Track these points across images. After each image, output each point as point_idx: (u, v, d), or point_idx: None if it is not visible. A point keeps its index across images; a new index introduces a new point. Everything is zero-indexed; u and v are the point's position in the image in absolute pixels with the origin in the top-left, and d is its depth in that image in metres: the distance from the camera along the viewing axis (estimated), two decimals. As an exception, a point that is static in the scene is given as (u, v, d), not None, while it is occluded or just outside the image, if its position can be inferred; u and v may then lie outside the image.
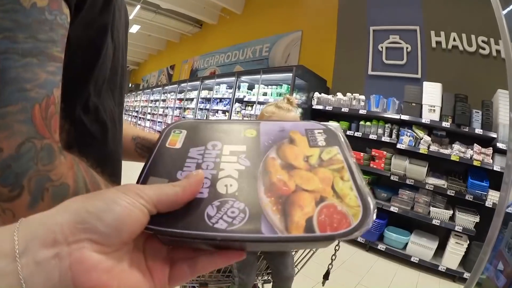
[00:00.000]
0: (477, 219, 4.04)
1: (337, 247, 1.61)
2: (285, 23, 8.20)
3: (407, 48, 5.54)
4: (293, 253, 2.03)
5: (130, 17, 10.83)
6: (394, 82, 5.49)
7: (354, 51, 6.26)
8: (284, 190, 0.43)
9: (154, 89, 14.10)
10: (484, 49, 4.76)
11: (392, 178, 4.66)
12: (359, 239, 4.71)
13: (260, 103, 6.54)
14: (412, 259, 4.29)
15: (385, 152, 4.82)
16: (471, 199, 4.08)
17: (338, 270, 3.71)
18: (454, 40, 5.03)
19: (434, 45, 5.24)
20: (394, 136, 4.81)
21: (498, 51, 4.64)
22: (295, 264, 2.04)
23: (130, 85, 19.99)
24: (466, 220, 4.09)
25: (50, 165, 0.45)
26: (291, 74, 5.72)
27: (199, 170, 0.44)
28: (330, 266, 1.66)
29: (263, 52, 8.74)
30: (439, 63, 5.18)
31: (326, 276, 1.69)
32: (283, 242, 0.38)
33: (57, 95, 0.48)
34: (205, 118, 8.26)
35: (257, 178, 0.45)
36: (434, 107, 4.47)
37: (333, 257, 1.64)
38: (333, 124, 0.56)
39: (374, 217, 0.40)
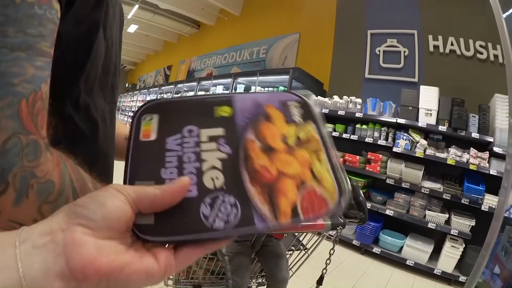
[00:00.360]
0: (472, 222, 4.04)
1: (332, 251, 1.60)
2: (283, 26, 8.22)
3: (404, 52, 5.55)
4: (288, 256, 2.02)
5: (128, 17, 10.82)
6: (391, 85, 5.50)
7: (352, 54, 6.27)
8: (268, 177, 0.45)
9: (150, 89, 14.08)
10: (481, 53, 4.79)
11: (387, 181, 4.66)
12: (354, 242, 4.70)
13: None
14: (407, 263, 4.29)
15: (381, 156, 4.82)
16: (467, 203, 4.09)
17: (333, 273, 3.69)
18: (452, 44, 5.06)
19: (431, 49, 5.26)
20: (390, 139, 4.81)
21: (495, 56, 4.66)
22: (290, 267, 2.03)
23: (127, 85, 19.99)
24: (462, 223, 4.09)
25: (35, 161, 0.44)
26: (288, 77, 5.73)
27: (185, 177, 0.43)
28: (324, 271, 1.65)
29: (260, 54, 8.75)
30: (437, 67, 5.20)
31: (320, 282, 1.68)
32: (274, 231, 0.41)
33: (45, 90, 0.48)
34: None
35: (240, 166, 0.46)
36: (430, 111, 4.48)
37: (328, 262, 1.63)
38: (305, 94, 0.58)
39: (348, 198, 0.43)
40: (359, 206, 1.55)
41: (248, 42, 9.30)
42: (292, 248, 2.03)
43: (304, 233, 2.01)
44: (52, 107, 0.50)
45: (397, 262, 4.39)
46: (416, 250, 4.32)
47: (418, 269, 4.24)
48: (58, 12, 0.51)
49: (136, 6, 10.55)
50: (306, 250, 2.00)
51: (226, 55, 10.23)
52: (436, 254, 4.32)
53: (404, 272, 4.29)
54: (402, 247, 4.46)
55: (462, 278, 3.97)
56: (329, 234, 1.74)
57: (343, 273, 3.89)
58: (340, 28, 6.71)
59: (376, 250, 4.55)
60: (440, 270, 4.10)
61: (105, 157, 0.78)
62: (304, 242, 2.05)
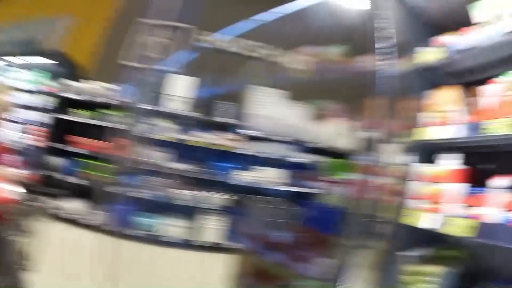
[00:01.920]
0: (222, 196, 4.68)
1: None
2: (52, 7, 7.50)
3: (170, 43, 5.69)
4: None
5: None
6: (150, 74, 5.57)
7: (119, 41, 6.10)
8: None
9: None
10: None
11: (136, 166, 4.57)
12: (109, 228, 4.36)
13: None
14: (166, 239, 4.55)
15: (130, 141, 4.80)
16: (215, 180, 4.71)
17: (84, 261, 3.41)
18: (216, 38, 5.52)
19: (197, 43, 5.57)
20: (143, 125, 4.82)
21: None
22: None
23: None
24: (213, 198, 4.67)
25: None
26: (48, 60, 5.52)
27: None
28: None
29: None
30: (198, 59, 5.58)
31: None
32: None
33: None
34: None
35: None
36: (183, 98, 4.90)
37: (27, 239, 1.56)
38: None
39: None
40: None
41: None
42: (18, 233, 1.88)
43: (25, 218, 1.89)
44: None
45: (157, 241, 4.54)
46: (172, 227, 4.63)
47: (179, 244, 4.53)
48: None
49: None
50: (26, 235, 1.88)
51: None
52: (192, 228, 4.69)
53: (165, 249, 4.47)
54: (158, 227, 4.67)
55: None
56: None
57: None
58: (119, 15, 6.52)
59: (132, 232, 4.53)
60: (200, 241, 4.59)
61: None
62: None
